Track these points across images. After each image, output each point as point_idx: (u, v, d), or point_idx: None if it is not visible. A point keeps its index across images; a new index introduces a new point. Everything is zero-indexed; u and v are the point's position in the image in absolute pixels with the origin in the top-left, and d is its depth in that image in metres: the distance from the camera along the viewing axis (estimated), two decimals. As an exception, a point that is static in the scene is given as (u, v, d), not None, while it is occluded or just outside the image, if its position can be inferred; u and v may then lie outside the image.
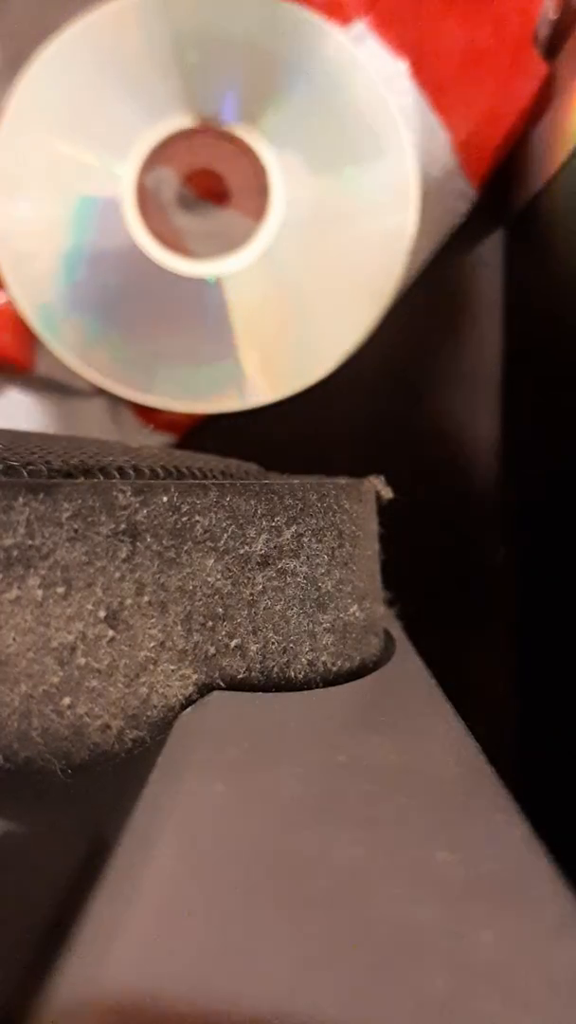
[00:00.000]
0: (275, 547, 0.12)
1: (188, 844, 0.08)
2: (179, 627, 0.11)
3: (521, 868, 0.08)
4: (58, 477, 0.12)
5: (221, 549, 0.11)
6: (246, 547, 0.11)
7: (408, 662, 0.14)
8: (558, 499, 0.26)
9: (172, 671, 0.11)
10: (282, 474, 0.16)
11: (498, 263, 0.30)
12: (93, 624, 0.10)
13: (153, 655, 0.11)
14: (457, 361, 0.31)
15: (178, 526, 0.11)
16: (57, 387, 0.29)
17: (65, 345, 0.28)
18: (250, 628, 0.11)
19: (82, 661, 0.10)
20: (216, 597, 0.11)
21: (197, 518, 0.11)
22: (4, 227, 0.27)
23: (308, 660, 0.12)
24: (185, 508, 0.11)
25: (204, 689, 0.11)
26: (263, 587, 0.12)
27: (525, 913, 0.07)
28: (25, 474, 0.11)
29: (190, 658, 0.11)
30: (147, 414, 0.30)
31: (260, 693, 0.11)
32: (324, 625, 0.12)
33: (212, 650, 0.11)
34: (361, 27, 0.26)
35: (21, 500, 0.10)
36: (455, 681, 0.33)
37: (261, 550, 0.12)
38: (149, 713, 0.11)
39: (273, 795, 0.09)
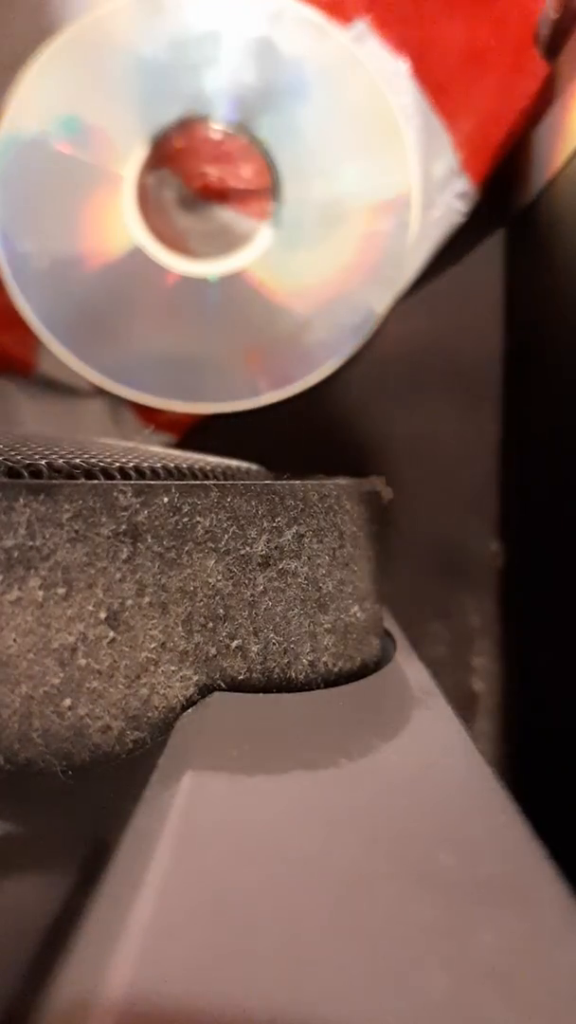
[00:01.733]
0: (276, 548, 0.12)
1: (189, 844, 0.08)
2: (180, 628, 0.11)
3: (521, 870, 0.08)
4: (59, 478, 0.12)
5: (222, 550, 0.11)
6: (247, 548, 0.11)
7: (408, 662, 0.14)
8: (557, 499, 0.26)
9: (173, 672, 0.11)
10: (283, 474, 0.16)
11: (499, 263, 0.30)
12: (94, 625, 0.10)
13: (154, 656, 0.11)
14: (457, 360, 0.31)
15: (179, 527, 0.11)
16: (58, 387, 0.29)
17: (66, 345, 0.28)
18: (251, 629, 0.11)
19: (83, 662, 0.10)
20: (217, 598, 0.11)
21: (198, 519, 0.11)
22: (5, 228, 0.27)
23: (309, 661, 0.12)
24: (186, 509, 0.11)
25: (205, 690, 0.11)
26: (264, 588, 0.12)
27: (525, 915, 0.07)
28: (26, 475, 0.11)
29: (191, 659, 0.11)
30: (147, 414, 0.30)
31: (261, 694, 0.11)
32: (325, 626, 0.12)
33: (213, 651, 0.11)
34: (362, 26, 0.26)
35: (22, 501, 0.10)
36: (455, 682, 0.33)
37: (262, 551, 0.12)
38: (150, 714, 0.11)
39: (274, 796, 0.09)
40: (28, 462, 0.12)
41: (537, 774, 0.28)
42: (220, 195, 0.28)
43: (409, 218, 0.27)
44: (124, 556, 0.11)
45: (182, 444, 0.30)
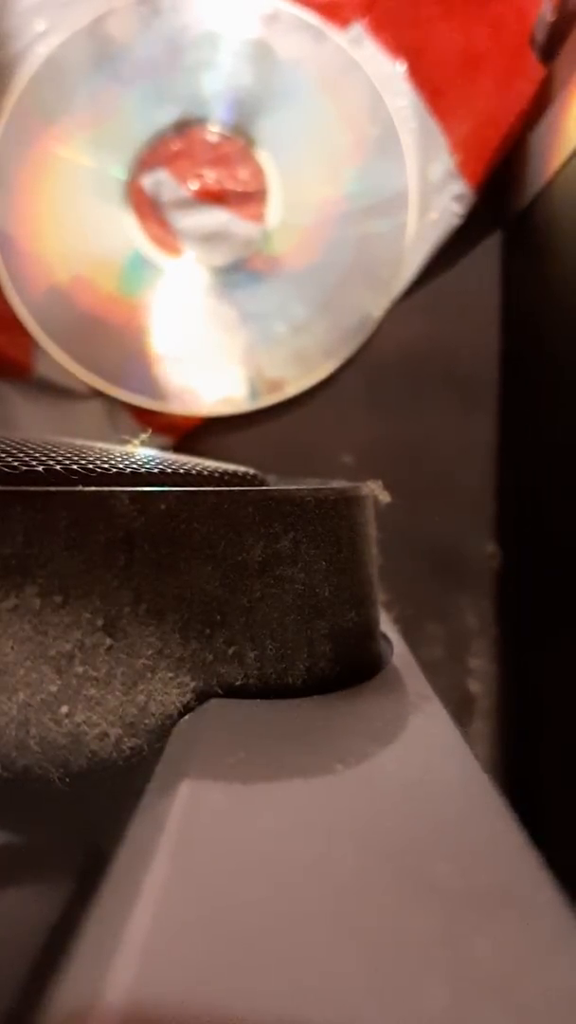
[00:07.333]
0: (272, 554, 0.12)
1: (186, 853, 0.08)
2: (176, 635, 0.11)
3: (518, 878, 0.08)
4: (56, 484, 0.12)
5: (218, 556, 0.11)
6: (243, 554, 0.11)
7: (405, 667, 0.14)
8: (554, 501, 0.26)
9: (170, 678, 0.11)
10: (280, 478, 0.16)
11: (495, 265, 0.30)
12: (91, 632, 0.10)
13: (151, 663, 0.11)
14: (454, 363, 0.31)
15: (176, 533, 0.11)
16: (55, 389, 0.29)
17: (63, 347, 0.28)
18: (248, 635, 0.11)
19: (80, 669, 0.10)
20: (214, 604, 0.11)
21: (195, 525, 0.11)
22: (4, 228, 0.27)
23: (306, 667, 0.12)
24: (183, 516, 0.11)
25: (202, 696, 0.11)
26: (261, 594, 0.12)
27: (523, 924, 0.07)
28: (24, 481, 0.11)
29: (188, 665, 0.11)
30: (145, 416, 0.30)
31: (258, 700, 0.11)
32: (322, 631, 0.12)
33: (210, 657, 0.11)
34: (359, 29, 0.26)
35: (19, 508, 0.10)
36: (452, 683, 0.33)
37: (258, 557, 0.12)
38: (147, 721, 0.11)
39: (271, 803, 0.09)
40: (25, 468, 0.12)
41: (533, 776, 0.28)
42: (217, 197, 0.28)
43: (406, 221, 0.28)
44: (121, 563, 0.11)
45: (179, 447, 0.30)
